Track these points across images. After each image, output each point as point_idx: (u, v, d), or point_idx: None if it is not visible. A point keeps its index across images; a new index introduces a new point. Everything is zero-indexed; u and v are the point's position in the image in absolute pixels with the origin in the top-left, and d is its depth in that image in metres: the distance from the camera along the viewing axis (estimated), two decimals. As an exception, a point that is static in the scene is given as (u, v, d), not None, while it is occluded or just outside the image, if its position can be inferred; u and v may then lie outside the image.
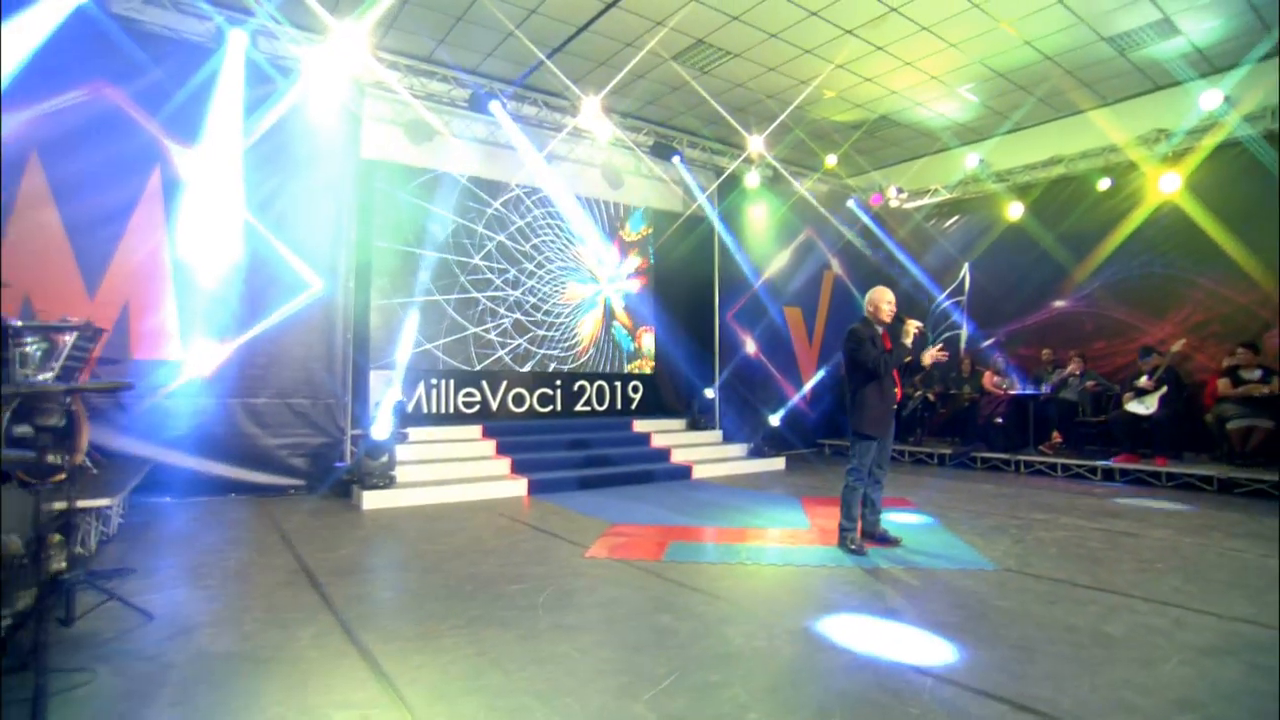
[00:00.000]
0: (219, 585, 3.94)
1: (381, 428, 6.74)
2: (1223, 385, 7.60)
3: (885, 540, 4.77)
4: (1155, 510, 6.24)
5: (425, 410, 8.76)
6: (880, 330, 4.67)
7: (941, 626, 3.25)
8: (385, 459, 6.71)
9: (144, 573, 4.11)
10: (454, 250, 9.03)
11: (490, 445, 8.05)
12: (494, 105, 7.95)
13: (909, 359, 4.69)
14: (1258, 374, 7.44)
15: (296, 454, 7.07)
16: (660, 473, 8.22)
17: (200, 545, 4.86)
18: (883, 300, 4.71)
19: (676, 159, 9.71)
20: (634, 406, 10.35)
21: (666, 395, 10.66)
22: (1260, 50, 8.00)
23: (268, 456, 6.88)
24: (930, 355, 4.69)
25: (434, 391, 8.87)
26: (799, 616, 3.44)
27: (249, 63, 6.68)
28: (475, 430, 8.29)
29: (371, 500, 6.40)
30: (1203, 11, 7.35)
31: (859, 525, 4.74)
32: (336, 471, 7.05)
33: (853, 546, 4.59)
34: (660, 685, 2.64)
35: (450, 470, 7.33)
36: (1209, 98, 8.14)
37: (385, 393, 7.97)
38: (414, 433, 7.83)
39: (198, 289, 6.55)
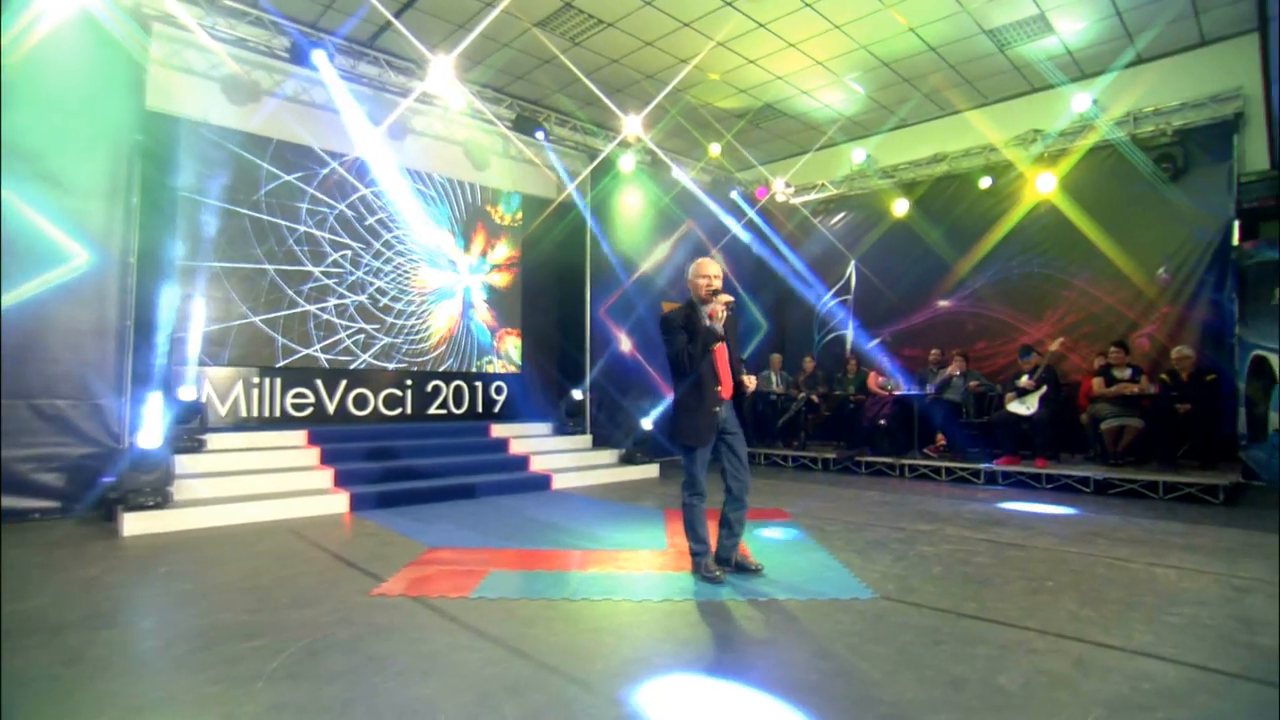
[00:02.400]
0: None
1: (151, 434, 5.41)
2: (1096, 385, 7.49)
3: (744, 569, 3.94)
4: (1038, 516, 5.86)
5: (244, 413, 7.41)
6: (707, 311, 3.75)
7: (798, 689, 2.45)
8: (161, 472, 5.43)
9: None
10: (281, 217, 7.71)
11: (314, 454, 6.84)
12: (318, 57, 6.71)
13: (715, 343, 3.74)
14: (1128, 373, 7.37)
15: (47, 468, 5.64)
16: (514, 483, 7.23)
17: None
18: (698, 274, 3.80)
19: (540, 135, 8.75)
20: (497, 410, 9.29)
21: (532, 396, 9.66)
22: (1125, 58, 8.18)
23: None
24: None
25: (255, 391, 7.52)
26: (614, 679, 2.56)
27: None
28: (299, 436, 7.04)
29: (136, 524, 5.11)
30: (1075, 8, 7.29)
31: (712, 548, 3.95)
32: (102, 488, 5.67)
33: (706, 574, 3.77)
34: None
35: (256, 484, 6.09)
36: (1079, 100, 8.44)
37: (179, 390, 6.60)
38: (216, 440, 6.52)
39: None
